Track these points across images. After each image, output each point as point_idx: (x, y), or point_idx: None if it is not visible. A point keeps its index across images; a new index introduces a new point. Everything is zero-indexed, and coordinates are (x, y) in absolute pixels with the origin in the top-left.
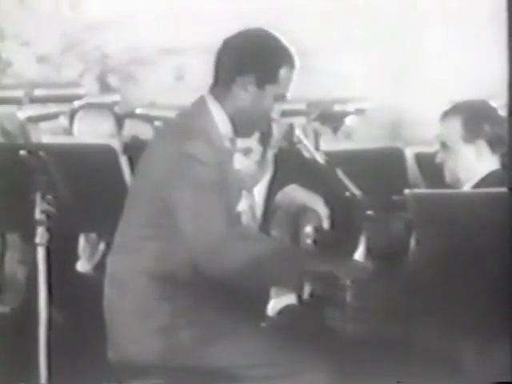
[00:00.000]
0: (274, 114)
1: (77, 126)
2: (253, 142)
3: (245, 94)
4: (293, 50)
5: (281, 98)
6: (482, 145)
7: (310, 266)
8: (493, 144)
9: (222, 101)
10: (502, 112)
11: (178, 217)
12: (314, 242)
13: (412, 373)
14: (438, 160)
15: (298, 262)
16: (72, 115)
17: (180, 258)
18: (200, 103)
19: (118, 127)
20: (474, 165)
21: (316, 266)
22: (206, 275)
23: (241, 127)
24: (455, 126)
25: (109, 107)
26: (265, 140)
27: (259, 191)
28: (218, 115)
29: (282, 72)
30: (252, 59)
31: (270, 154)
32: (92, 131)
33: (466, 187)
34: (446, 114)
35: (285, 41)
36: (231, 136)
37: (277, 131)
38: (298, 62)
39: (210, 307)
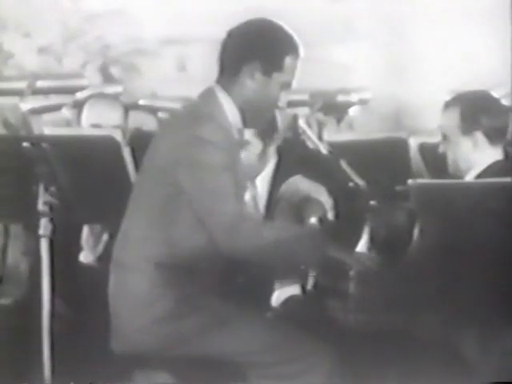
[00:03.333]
0: (280, 103)
1: (85, 117)
2: (252, 134)
3: (251, 82)
4: (297, 38)
5: (287, 86)
6: (479, 137)
7: (328, 250)
8: (491, 136)
9: (230, 91)
10: (505, 102)
11: (193, 199)
12: None
13: (413, 363)
14: (440, 150)
15: (318, 245)
16: (77, 106)
17: (188, 244)
18: (209, 93)
19: (125, 118)
20: (472, 156)
21: (334, 251)
22: (226, 255)
23: (249, 117)
24: (454, 118)
25: (112, 98)
26: (268, 132)
27: (263, 182)
28: (227, 105)
29: (288, 60)
30: (257, 47)
31: (272, 147)
32: (100, 121)
33: (468, 177)
34: (447, 105)
35: (289, 29)
36: (240, 126)
37: (281, 124)
38: (302, 51)
39: (215, 295)
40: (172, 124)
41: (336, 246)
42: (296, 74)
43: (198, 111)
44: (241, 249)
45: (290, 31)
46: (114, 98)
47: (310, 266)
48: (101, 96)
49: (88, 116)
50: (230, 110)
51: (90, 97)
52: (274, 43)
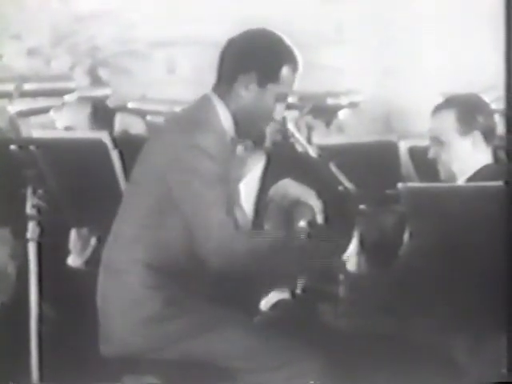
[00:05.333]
0: (277, 115)
1: (64, 119)
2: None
3: (246, 92)
4: (297, 51)
5: (282, 98)
6: (478, 136)
7: (310, 258)
8: (487, 135)
9: (225, 99)
10: (495, 105)
11: (182, 208)
12: (308, 236)
13: (404, 367)
14: (430, 156)
15: (297, 258)
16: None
17: (177, 247)
18: (205, 100)
19: (111, 121)
20: (468, 157)
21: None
22: (209, 267)
23: (242, 127)
24: (449, 120)
25: (100, 101)
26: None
27: (252, 185)
28: (222, 113)
29: (284, 71)
30: (253, 57)
31: (258, 152)
32: (72, 124)
33: (460, 181)
34: (438, 109)
35: (289, 41)
36: (233, 135)
37: (269, 132)
38: (301, 64)
39: (203, 298)
40: (168, 129)
41: (323, 254)
42: (293, 86)
43: (195, 117)
44: (225, 262)
45: (290, 43)
46: (100, 100)
47: (297, 276)
48: (83, 100)
49: (61, 119)
50: (225, 119)
51: (79, 99)
52: (270, 54)
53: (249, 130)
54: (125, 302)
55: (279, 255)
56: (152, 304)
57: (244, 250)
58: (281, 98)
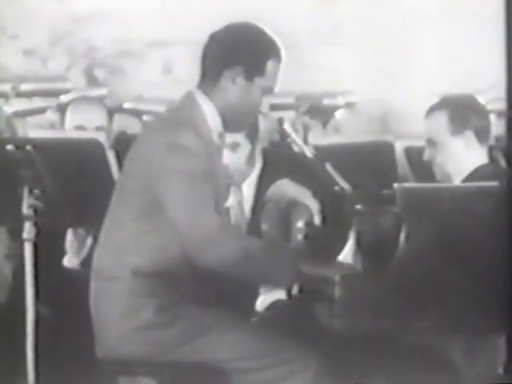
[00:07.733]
0: (263, 108)
1: (68, 119)
2: (240, 137)
3: (233, 86)
4: (279, 42)
5: (269, 91)
6: (470, 136)
7: (301, 266)
8: (480, 135)
9: (211, 95)
10: (494, 106)
11: (167, 207)
12: (305, 236)
13: (401, 368)
14: (425, 158)
15: (289, 261)
16: (62, 109)
17: (167, 251)
18: (188, 98)
19: (109, 119)
20: (462, 158)
21: (306, 267)
22: (196, 266)
23: (230, 121)
24: (441, 121)
25: (95, 100)
26: (252, 135)
27: (249, 186)
28: (207, 109)
29: (270, 64)
30: (239, 51)
31: (258, 149)
32: (84, 123)
33: (456, 182)
34: (432, 110)
35: (271, 33)
36: (220, 130)
37: (263, 125)
38: (284, 55)
39: (197, 303)
40: (151, 129)
41: (311, 263)
42: (278, 78)
43: (177, 116)
44: (212, 261)
45: (272, 35)
46: (99, 100)
47: (284, 283)
48: (84, 98)
49: (71, 118)
50: (210, 114)
51: (75, 100)
52: (255, 48)
53: (236, 123)
54: (116, 312)
55: (271, 256)
56: (144, 313)
57: (233, 249)
58: (267, 90)
